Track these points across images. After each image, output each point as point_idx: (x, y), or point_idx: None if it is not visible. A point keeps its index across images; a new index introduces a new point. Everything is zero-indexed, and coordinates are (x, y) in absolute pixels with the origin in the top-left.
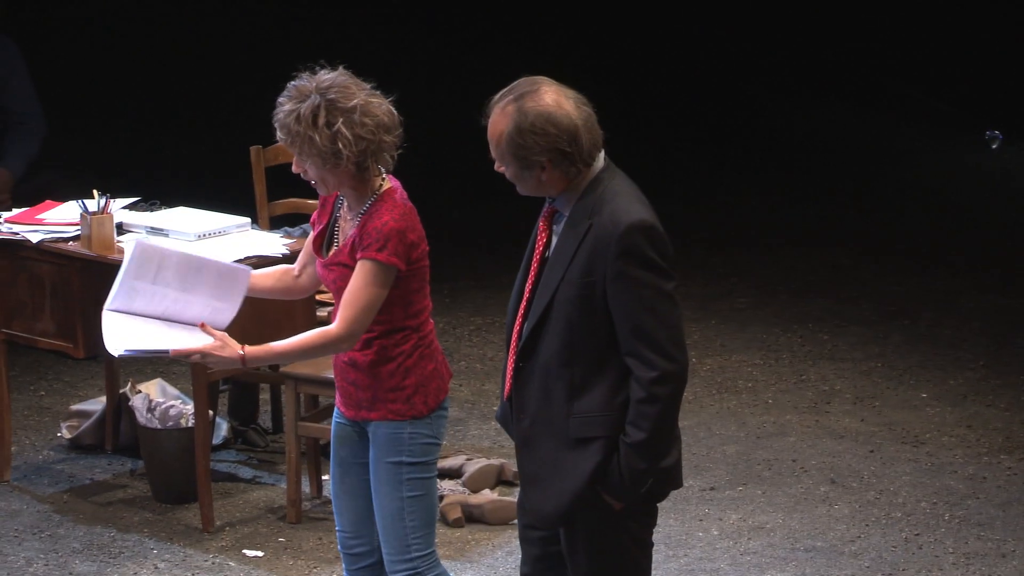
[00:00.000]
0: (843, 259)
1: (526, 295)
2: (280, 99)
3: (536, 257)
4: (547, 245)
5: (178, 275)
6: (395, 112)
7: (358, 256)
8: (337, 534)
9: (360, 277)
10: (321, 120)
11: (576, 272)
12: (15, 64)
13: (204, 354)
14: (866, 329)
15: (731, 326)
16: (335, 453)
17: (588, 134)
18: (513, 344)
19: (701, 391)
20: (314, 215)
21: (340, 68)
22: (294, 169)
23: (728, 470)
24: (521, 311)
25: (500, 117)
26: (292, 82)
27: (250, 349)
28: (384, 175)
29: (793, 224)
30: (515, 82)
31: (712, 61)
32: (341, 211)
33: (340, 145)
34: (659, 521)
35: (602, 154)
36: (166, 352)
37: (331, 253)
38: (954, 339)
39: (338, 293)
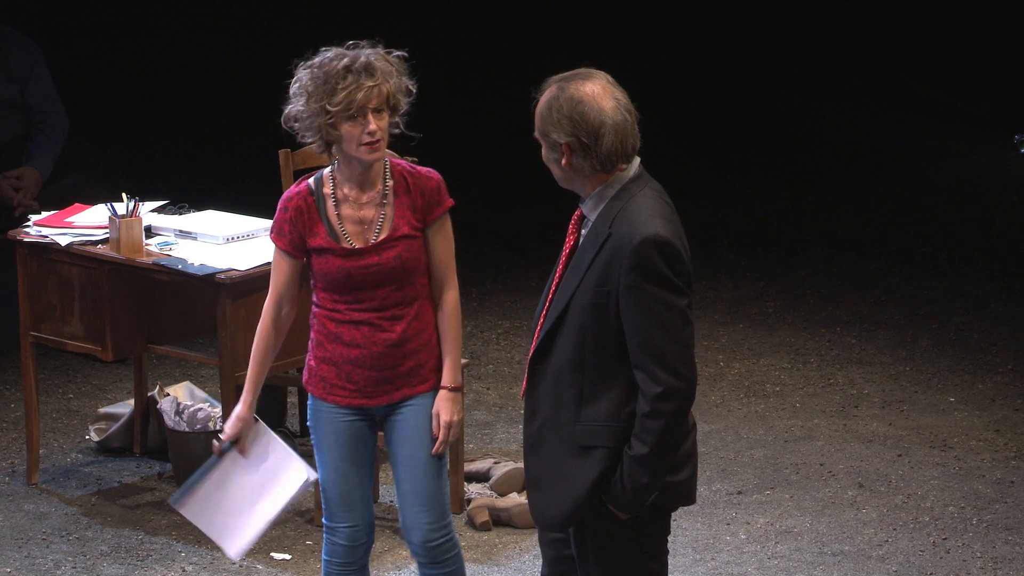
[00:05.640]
0: (872, 262)
1: (550, 296)
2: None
3: (563, 260)
4: (573, 248)
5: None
6: None
7: (437, 212)
8: (346, 531)
9: (447, 230)
10: None
11: (592, 280)
12: (37, 65)
13: (450, 424)
14: (894, 333)
15: (759, 330)
16: (343, 451)
17: (614, 136)
18: (533, 344)
19: (729, 395)
20: (278, 229)
21: None
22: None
23: (755, 474)
24: (544, 312)
25: (544, 94)
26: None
27: (452, 380)
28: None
29: (822, 227)
30: (577, 69)
31: (742, 64)
32: (329, 206)
33: None
34: (686, 525)
35: (636, 164)
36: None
37: (381, 236)
38: (983, 343)
39: (396, 271)
